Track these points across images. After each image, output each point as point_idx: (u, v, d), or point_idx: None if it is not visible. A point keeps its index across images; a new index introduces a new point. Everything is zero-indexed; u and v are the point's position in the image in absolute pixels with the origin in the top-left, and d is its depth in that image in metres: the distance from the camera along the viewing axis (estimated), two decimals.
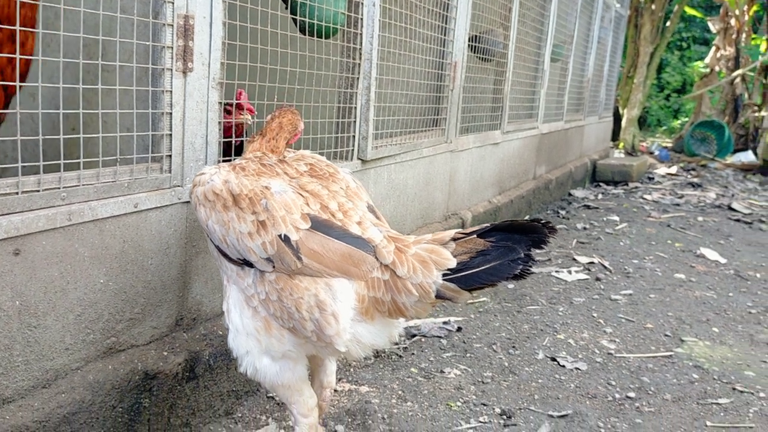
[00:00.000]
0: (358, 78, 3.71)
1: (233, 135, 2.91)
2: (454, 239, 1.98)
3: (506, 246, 1.91)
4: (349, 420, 2.98)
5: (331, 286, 2.01)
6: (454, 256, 1.95)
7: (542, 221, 1.91)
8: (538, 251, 1.96)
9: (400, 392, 3.28)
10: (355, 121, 3.76)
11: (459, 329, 4.11)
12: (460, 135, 5.29)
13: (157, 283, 2.60)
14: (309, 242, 1.99)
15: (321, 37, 3.45)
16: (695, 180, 11.05)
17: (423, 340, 3.95)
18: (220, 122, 2.78)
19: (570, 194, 9.18)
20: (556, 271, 5.51)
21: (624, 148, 14.25)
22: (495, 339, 4.01)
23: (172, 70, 2.52)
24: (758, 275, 5.74)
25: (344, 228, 2.04)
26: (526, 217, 7.22)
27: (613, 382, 3.53)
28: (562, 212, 8.02)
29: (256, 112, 2.98)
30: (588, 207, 8.50)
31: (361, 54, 3.68)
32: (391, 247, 2.01)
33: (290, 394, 2.20)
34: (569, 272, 5.50)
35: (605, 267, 5.73)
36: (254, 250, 2.04)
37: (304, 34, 3.42)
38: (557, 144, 8.49)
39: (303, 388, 2.22)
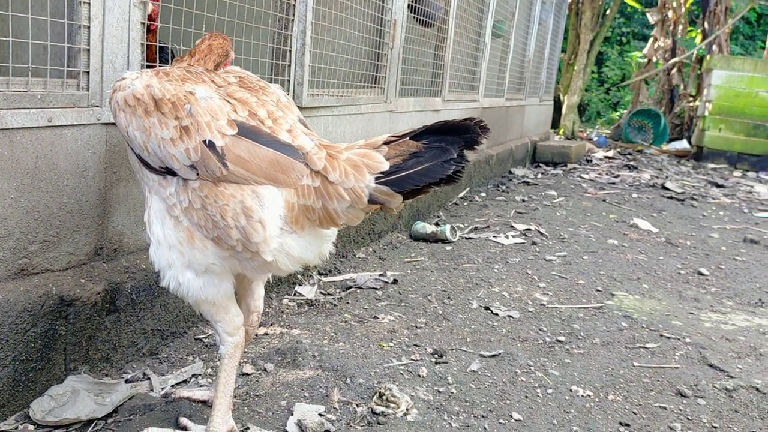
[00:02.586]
0: (293, 20, 3.63)
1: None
2: (387, 143, 1.93)
3: (439, 147, 1.88)
4: (279, 358, 2.91)
5: (258, 194, 1.94)
6: (387, 159, 1.91)
7: (475, 120, 1.88)
8: (471, 152, 1.92)
9: (332, 334, 3.22)
10: (290, 65, 3.68)
11: (395, 281, 4.08)
12: (400, 96, 5.26)
13: (74, 206, 2.48)
14: (235, 148, 1.92)
15: None
16: (632, 163, 11.32)
17: (358, 291, 3.90)
18: (142, 44, 2.67)
19: (510, 172, 9.27)
20: (494, 236, 5.54)
21: (564, 134, 14.49)
22: (430, 291, 4.00)
23: None
24: (688, 243, 5.90)
25: (273, 135, 1.97)
26: (466, 190, 7.26)
27: (545, 328, 3.55)
28: (503, 187, 8.09)
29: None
30: (527, 183, 8.60)
31: None
32: (323, 153, 1.95)
33: (215, 311, 2.12)
34: (506, 237, 5.54)
35: (541, 233, 5.79)
36: (177, 157, 1.95)
37: None
38: (498, 120, 8.55)
39: (229, 306, 2.14)
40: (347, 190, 1.90)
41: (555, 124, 14.86)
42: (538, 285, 4.30)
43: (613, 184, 9.11)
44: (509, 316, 3.67)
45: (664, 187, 8.99)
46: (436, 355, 3.07)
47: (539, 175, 9.58)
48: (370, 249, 4.87)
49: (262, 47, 3.45)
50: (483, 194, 7.47)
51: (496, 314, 3.69)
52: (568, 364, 3.12)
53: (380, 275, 4.08)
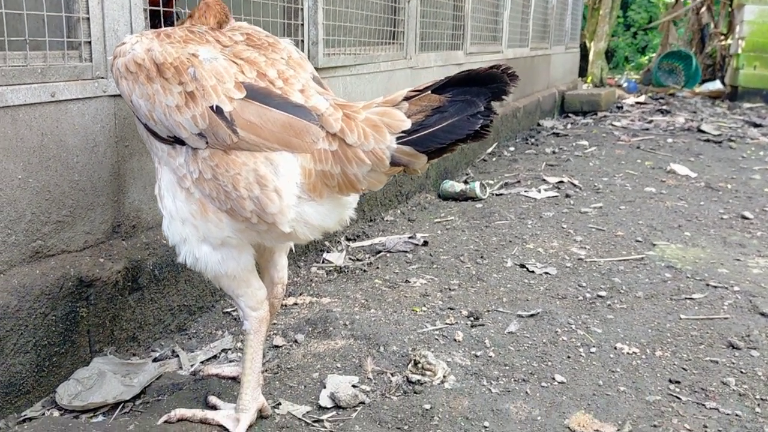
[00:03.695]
0: None
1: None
2: (407, 98, 1.78)
3: (464, 100, 1.73)
4: (310, 329, 2.82)
5: (272, 161, 1.81)
6: (408, 117, 1.76)
7: (502, 67, 1.72)
8: (499, 103, 1.77)
9: (363, 301, 3.12)
10: (303, 24, 3.52)
11: (425, 243, 3.95)
12: (420, 52, 5.06)
13: (86, 183, 2.38)
14: (245, 113, 1.78)
15: None
16: (664, 107, 10.94)
17: (388, 255, 3.79)
18: (145, 9, 2.53)
19: (539, 124, 9.01)
20: (525, 191, 5.37)
21: (592, 82, 14.07)
22: (462, 251, 3.86)
23: None
24: (729, 186, 5.65)
25: (285, 96, 1.83)
26: (494, 145, 7.06)
27: (584, 284, 3.41)
28: (531, 140, 7.86)
29: None
30: (557, 135, 8.35)
31: None
32: (339, 114, 1.81)
33: (236, 285, 2.01)
34: (539, 191, 5.36)
35: (575, 185, 5.60)
36: (184, 125, 1.83)
37: None
38: (524, 71, 8.27)
39: (250, 279, 2.04)
40: (367, 153, 1.76)
41: (582, 72, 14.42)
42: (575, 239, 4.13)
43: (647, 129, 8.80)
44: (546, 273, 3.53)
45: (699, 130, 8.66)
46: (472, 318, 2.95)
47: (569, 126, 9.31)
48: (398, 211, 4.74)
49: (272, 6, 3.29)
50: (512, 148, 7.25)
51: (533, 272, 3.55)
52: (610, 321, 2.98)
53: (410, 238, 3.96)
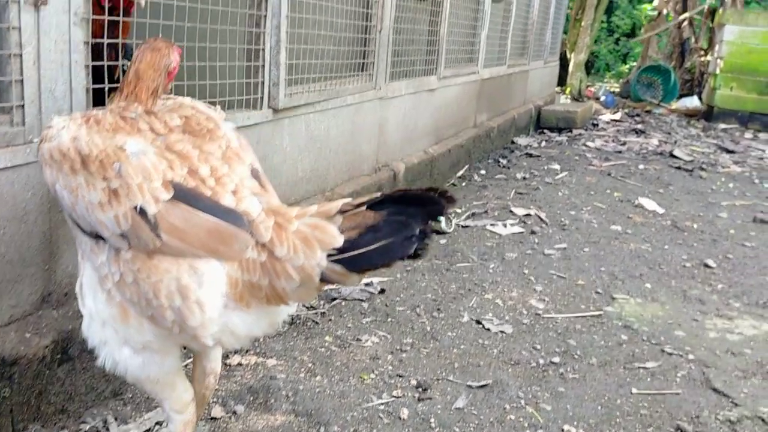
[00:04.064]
0: (266, 15, 3.33)
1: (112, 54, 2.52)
2: (342, 211, 1.68)
3: (400, 221, 1.63)
4: (251, 399, 2.72)
5: (196, 269, 1.71)
6: (342, 232, 1.66)
7: (439, 190, 1.64)
8: (435, 223, 1.68)
9: (310, 365, 3.03)
10: (264, 66, 3.40)
11: (382, 291, 3.87)
12: (390, 81, 4.96)
13: (14, 255, 2.26)
14: (170, 216, 1.68)
15: None
16: (639, 126, 10.94)
17: (343, 303, 3.70)
18: (87, 66, 2.40)
19: (513, 142, 8.96)
20: (491, 225, 5.30)
21: (571, 93, 14.05)
22: (420, 301, 3.79)
23: (19, 2, 2.12)
24: (695, 225, 5.64)
25: (215, 199, 1.73)
26: (465, 168, 6.98)
27: (539, 346, 3.35)
28: (503, 161, 7.80)
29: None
30: (530, 155, 8.30)
31: None
32: (270, 222, 1.71)
33: (160, 389, 1.91)
34: (504, 225, 5.30)
35: (542, 219, 5.55)
36: (106, 224, 1.72)
37: None
38: (499, 90, 8.21)
39: (175, 382, 1.94)
40: (296, 268, 1.67)
41: (561, 81, 14.40)
42: (535, 288, 4.08)
43: (620, 152, 8.79)
44: (501, 332, 3.47)
45: (672, 155, 8.67)
46: (420, 389, 2.88)
47: (543, 143, 9.27)
48: None
49: (231, 50, 3.16)
50: (483, 171, 7.18)
51: (488, 329, 3.49)
52: (561, 395, 2.92)
53: (366, 285, 3.87)
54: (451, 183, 6.56)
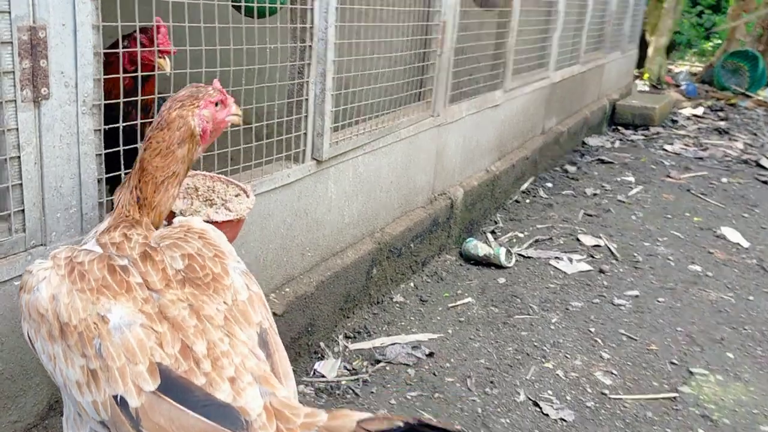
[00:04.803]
0: (309, 64, 2.99)
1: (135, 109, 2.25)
2: (358, 422, 1.36)
3: None
4: None
5: None
6: None
7: (458, 428, 1.31)
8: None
9: None
10: (307, 116, 3.07)
11: (431, 354, 3.55)
12: (450, 104, 4.56)
13: (15, 369, 2.04)
14: (154, 413, 1.39)
15: (256, 17, 2.73)
16: (722, 124, 10.15)
17: (388, 368, 3.41)
18: (99, 155, 2.13)
19: (584, 143, 8.41)
20: (556, 258, 4.90)
21: (649, 80, 13.22)
22: (471, 369, 3.46)
23: (16, 101, 1.85)
24: None
25: (208, 392, 1.43)
26: (530, 180, 6.53)
27: None
28: (572, 168, 7.31)
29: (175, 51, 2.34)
30: (602, 161, 7.75)
31: (312, 34, 2.95)
32: (272, 428, 1.41)
33: None
34: (570, 261, 4.88)
35: (612, 252, 5.10)
36: (85, 408, 1.46)
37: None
38: (571, 90, 7.65)
39: None
40: None
41: (639, 62, 13.54)
42: (602, 354, 3.68)
43: (700, 159, 8.13)
44: (562, 420, 3.11)
45: (758, 165, 7.97)
46: None
47: (617, 144, 8.70)
48: (411, 285, 4.34)
49: (267, 100, 2.85)
50: (549, 184, 6.72)
51: (547, 414, 3.14)
52: None
53: (414, 347, 3.56)
54: (514, 200, 6.14)
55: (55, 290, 1.51)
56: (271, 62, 2.76)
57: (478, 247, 4.80)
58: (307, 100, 3.04)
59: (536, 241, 5.25)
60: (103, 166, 2.16)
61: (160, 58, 2.33)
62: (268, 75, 2.76)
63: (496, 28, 5.17)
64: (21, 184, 1.93)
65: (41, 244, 2.02)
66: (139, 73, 2.25)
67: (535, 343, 3.75)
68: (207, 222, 2.13)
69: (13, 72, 1.82)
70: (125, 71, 2.22)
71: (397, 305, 4.07)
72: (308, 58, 2.97)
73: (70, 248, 1.63)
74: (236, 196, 2.37)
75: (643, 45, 13.49)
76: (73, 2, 1.92)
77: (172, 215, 2.00)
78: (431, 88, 4.22)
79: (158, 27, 2.30)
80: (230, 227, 2.24)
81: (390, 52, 3.63)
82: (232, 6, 2.81)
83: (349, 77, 3.34)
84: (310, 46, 2.96)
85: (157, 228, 1.79)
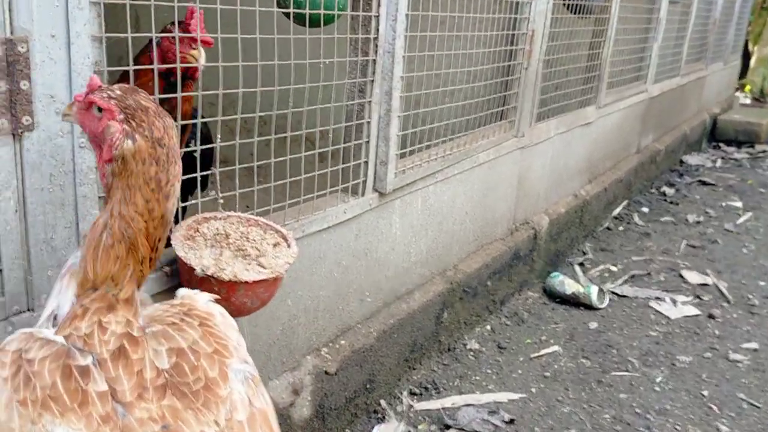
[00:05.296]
0: (373, 81, 2.53)
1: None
2: None
3: None
4: None
5: None
6: None
7: None
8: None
9: None
10: (368, 142, 2.62)
11: (511, 421, 3.02)
12: (536, 123, 4.02)
13: None
14: None
15: (311, 26, 2.30)
16: None
17: None
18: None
19: (682, 162, 7.65)
20: (657, 299, 4.26)
21: (751, 92, 12.17)
22: None
23: None
24: None
25: None
26: (623, 204, 5.87)
27: None
28: (670, 191, 6.58)
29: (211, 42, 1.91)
30: (703, 183, 6.98)
31: (377, 46, 2.49)
32: None
33: None
34: (674, 302, 4.24)
35: (722, 293, 4.41)
36: None
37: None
38: (670, 105, 6.93)
39: None
40: None
41: (741, 73, 12.49)
42: (719, 427, 3.05)
43: None
44: None
45: None
46: None
47: (718, 163, 7.88)
48: (488, 328, 3.81)
49: (321, 133, 2.40)
50: (645, 209, 6.03)
51: None
52: None
53: (490, 413, 3.03)
54: (605, 227, 5.51)
55: None
56: (325, 80, 2.31)
57: (564, 283, 4.23)
58: (369, 123, 2.58)
59: (632, 276, 4.62)
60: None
61: (193, 49, 1.89)
62: (322, 95, 2.31)
63: (591, 38, 4.59)
64: None
65: (27, 310, 1.63)
66: (178, 76, 1.84)
67: (637, 410, 3.15)
68: (234, 282, 1.72)
69: None
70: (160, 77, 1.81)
71: (471, 353, 3.55)
72: (371, 75, 2.51)
73: (26, 336, 1.22)
74: (275, 245, 1.94)
75: (746, 55, 12.45)
76: (66, 8, 1.52)
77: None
78: (515, 106, 3.70)
79: (191, 12, 1.87)
80: (265, 287, 1.81)
81: (468, 66, 3.14)
82: (282, 13, 2.38)
83: (419, 96, 2.87)
84: (374, 60, 2.50)
85: (139, 284, 1.34)
